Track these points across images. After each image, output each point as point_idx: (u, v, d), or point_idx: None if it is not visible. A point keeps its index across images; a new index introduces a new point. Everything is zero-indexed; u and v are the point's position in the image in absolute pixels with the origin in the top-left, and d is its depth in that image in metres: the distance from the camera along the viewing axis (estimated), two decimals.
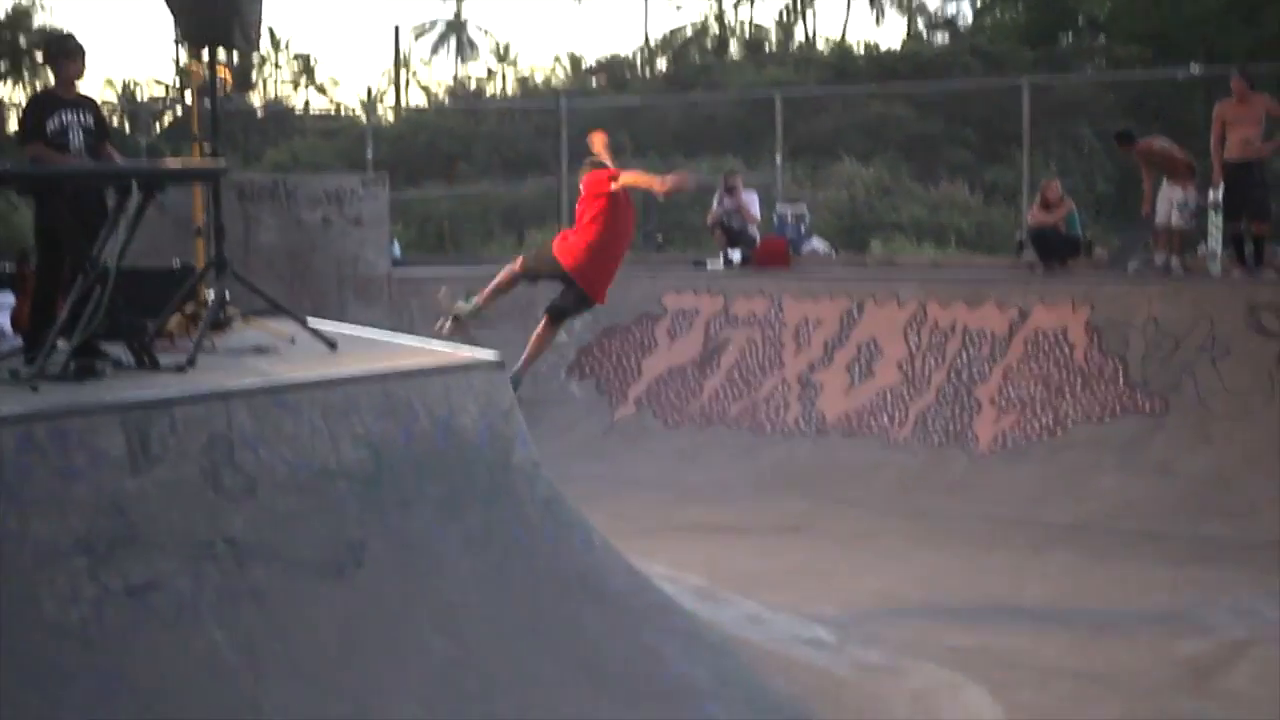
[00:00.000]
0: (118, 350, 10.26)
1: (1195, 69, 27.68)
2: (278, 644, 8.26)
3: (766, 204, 25.09)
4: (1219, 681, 11.75)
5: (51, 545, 7.72)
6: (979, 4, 59.00)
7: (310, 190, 23.39)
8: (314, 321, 12.29)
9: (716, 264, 23.93)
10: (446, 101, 66.53)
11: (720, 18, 70.69)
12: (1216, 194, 20.46)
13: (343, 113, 60.17)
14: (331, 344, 11.48)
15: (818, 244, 26.03)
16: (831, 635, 12.30)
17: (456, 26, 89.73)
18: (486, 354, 10.85)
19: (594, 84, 58.72)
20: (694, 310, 22.37)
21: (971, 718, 10.57)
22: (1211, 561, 15.48)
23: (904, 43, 60.45)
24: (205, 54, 14.37)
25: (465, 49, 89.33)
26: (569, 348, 22.48)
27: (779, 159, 26.83)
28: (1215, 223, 20.78)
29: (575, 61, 71.90)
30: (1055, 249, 21.85)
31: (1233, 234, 20.59)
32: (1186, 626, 13.15)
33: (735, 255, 23.80)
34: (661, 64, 65.00)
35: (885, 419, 20.32)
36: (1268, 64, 27.89)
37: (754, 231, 24.23)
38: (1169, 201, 21.30)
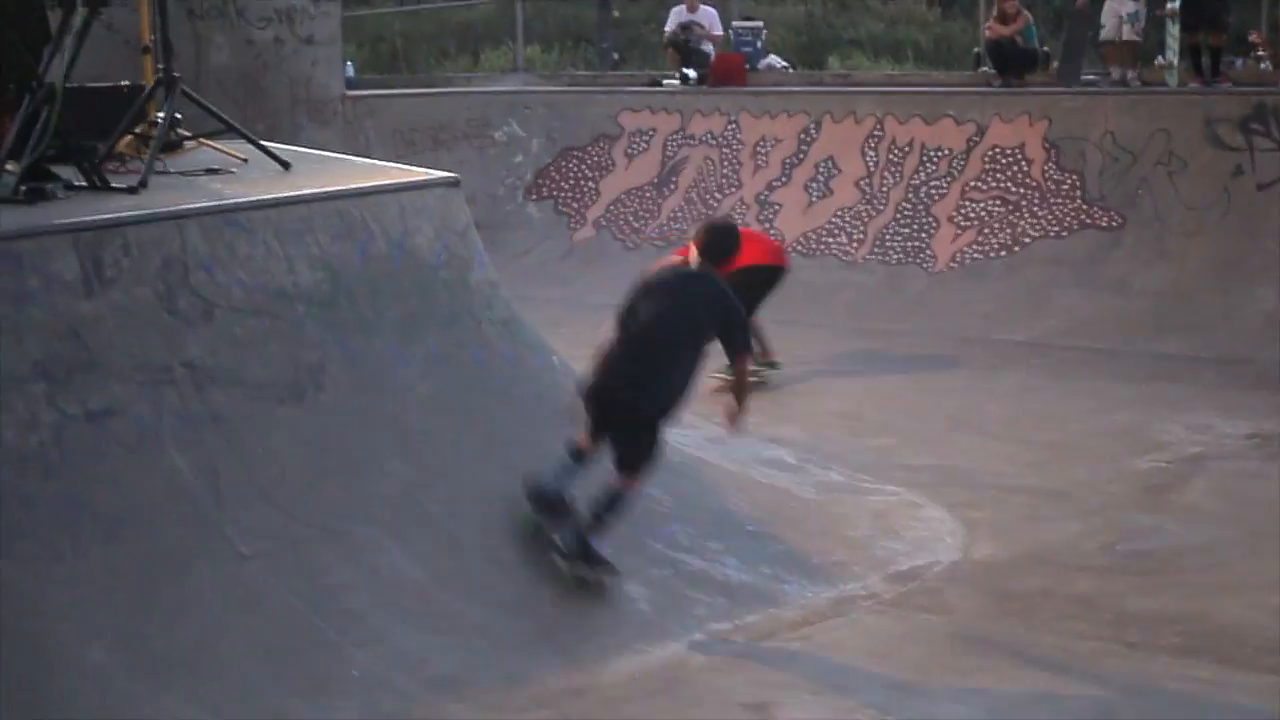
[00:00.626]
0: (68, 172, 10.12)
1: None
2: (239, 468, 8.26)
3: (724, 20, 24.85)
4: (1174, 496, 11.88)
5: (8, 371, 7.67)
6: None
7: (261, 8, 23.03)
8: (267, 143, 12.15)
9: (673, 82, 23.75)
10: None
11: None
12: (1174, 3, 20.38)
13: None
14: (285, 164, 11.33)
15: (774, 60, 25.80)
16: (792, 456, 12.34)
17: None
18: (441, 174, 10.77)
19: None
20: (651, 130, 22.25)
21: (930, 535, 10.64)
22: (1168, 378, 15.65)
23: None
24: None
25: None
26: (525, 169, 22.39)
27: None
28: (1172, 33, 20.72)
29: None
30: (1012, 62, 21.65)
31: (1190, 45, 20.53)
32: (1143, 442, 13.26)
33: (691, 73, 23.59)
34: None
35: (844, 238, 20.32)
36: None
37: (709, 48, 24.00)
38: (1117, 15, 21.15)
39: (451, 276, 10.13)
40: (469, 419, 9.53)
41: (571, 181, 22.36)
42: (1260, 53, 21.57)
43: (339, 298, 9.25)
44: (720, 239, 9.51)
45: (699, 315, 9.07)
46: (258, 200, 9.55)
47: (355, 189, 10.14)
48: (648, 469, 9.16)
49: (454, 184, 10.62)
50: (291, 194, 9.82)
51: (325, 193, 9.93)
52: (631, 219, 21.55)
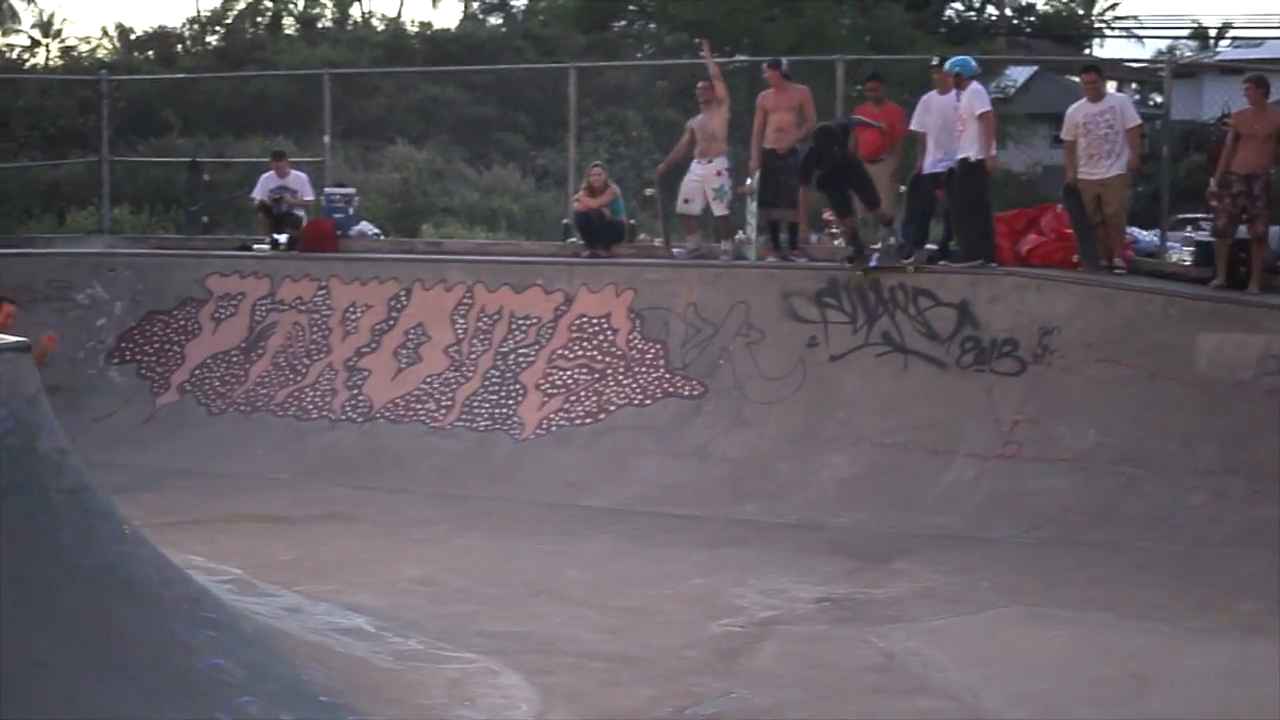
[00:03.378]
0: None
1: (740, 58, 28.41)
2: None
3: (316, 186, 24.83)
4: (746, 660, 12.05)
5: None
6: None
7: None
8: None
9: (264, 247, 23.60)
10: None
11: None
12: (754, 181, 20.99)
13: None
14: None
15: (366, 227, 25.85)
16: (371, 624, 12.29)
17: None
18: (9, 339, 10.54)
19: (140, 57, 57.07)
20: (239, 294, 22.16)
21: (505, 702, 10.66)
22: (744, 543, 16.02)
23: (459, 24, 60.48)
24: None
25: (5, 18, 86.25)
26: (108, 332, 22.03)
27: (328, 140, 26.57)
28: (751, 210, 21.33)
29: (124, 33, 69.90)
30: (600, 233, 22.05)
31: (768, 220, 21.16)
32: (718, 607, 13.49)
33: (283, 238, 23.49)
34: (213, 39, 63.73)
35: (432, 404, 20.39)
36: (806, 56, 28.81)
37: (300, 213, 23.94)
38: (703, 191, 21.69)
39: (18, 444, 9.88)
40: (30, 590, 9.27)
41: (156, 345, 22.04)
42: (834, 229, 22.28)
43: None
44: None
45: None
46: None
47: None
48: None
49: (24, 349, 10.40)
50: None
51: None
52: (218, 384, 21.35)
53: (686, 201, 21.89)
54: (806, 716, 10.68)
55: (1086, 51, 63.23)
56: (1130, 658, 12.17)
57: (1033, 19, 57.17)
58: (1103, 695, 11.20)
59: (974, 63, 20.00)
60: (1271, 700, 10.82)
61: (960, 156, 19.07)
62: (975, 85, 19.34)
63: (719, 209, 21.65)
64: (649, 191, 24.07)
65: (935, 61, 20.74)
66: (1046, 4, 63.99)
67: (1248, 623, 13.02)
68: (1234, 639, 12.55)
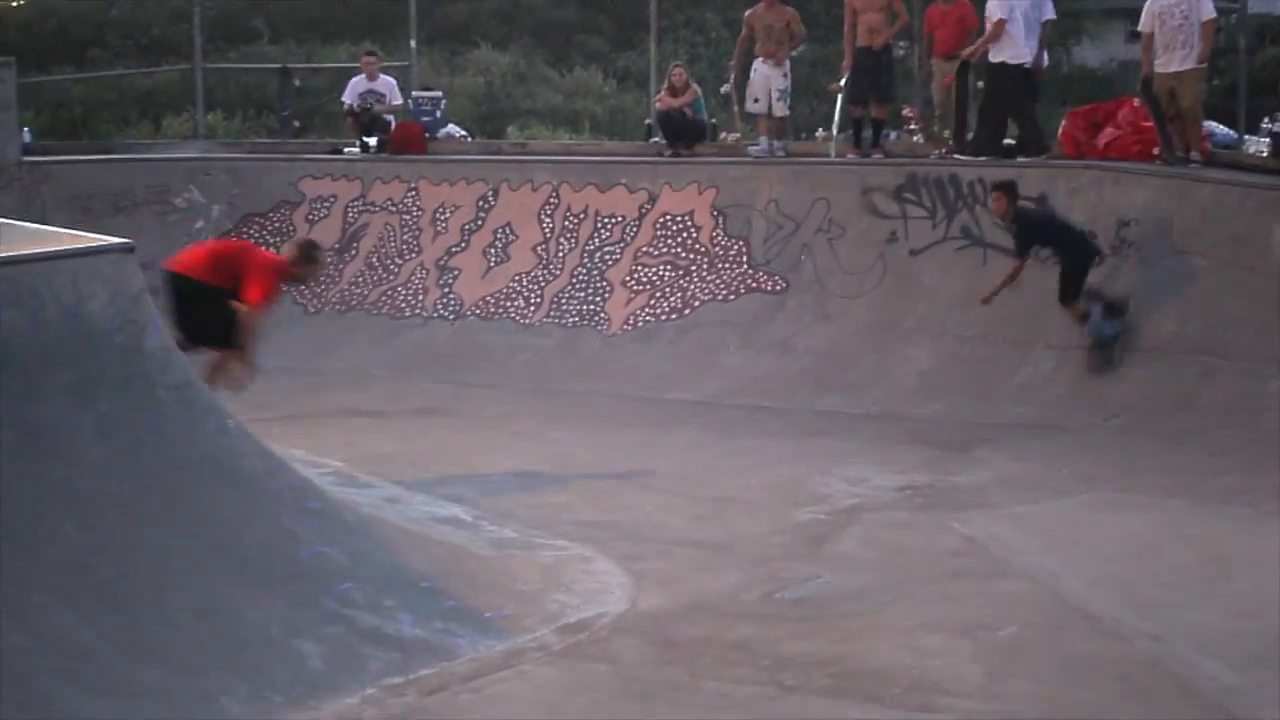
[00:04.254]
0: None
1: None
2: None
3: (404, 90, 24.87)
4: (830, 546, 12.18)
5: None
6: None
7: None
8: None
9: (354, 149, 23.71)
10: None
11: None
12: (845, 81, 20.99)
13: None
14: None
15: (453, 129, 25.89)
16: (468, 514, 12.42)
17: None
18: (114, 240, 10.67)
19: None
20: (331, 196, 22.26)
21: (599, 587, 10.77)
22: (827, 434, 16.12)
23: None
24: None
25: None
26: (206, 234, 22.13)
27: (414, 44, 26.55)
28: (839, 107, 21.31)
29: None
30: (682, 133, 22.07)
31: (855, 119, 21.13)
32: (802, 495, 13.61)
33: (372, 141, 23.57)
34: None
35: (521, 302, 20.51)
36: None
37: (389, 117, 24.02)
38: (768, 91, 21.67)
39: (125, 341, 10.02)
40: (142, 483, 9.43)
41: None
42: (913, 127, 22.24)
43: (7, 363, 9.10)
44: None
45: None
46: None
47: (25, 255, 9.98)
48: None
49: (129, 249, 10.52)
50: None
51: None
52: (313, 283, 21.47)
53: (756, 101, 21.93)
54: (890, 599, 10.74)
55: None
56: (1210, 542, 12.18)
57: None
58: (1183, 578, 11.23)
59: None
60: None
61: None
62: None
63: (780, 110, 21.65)
64: (724, 89, 23.99)
65: None
66: None
67: None
68: None
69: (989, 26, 19.86)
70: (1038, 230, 17.45)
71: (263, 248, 17.81)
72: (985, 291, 17.46)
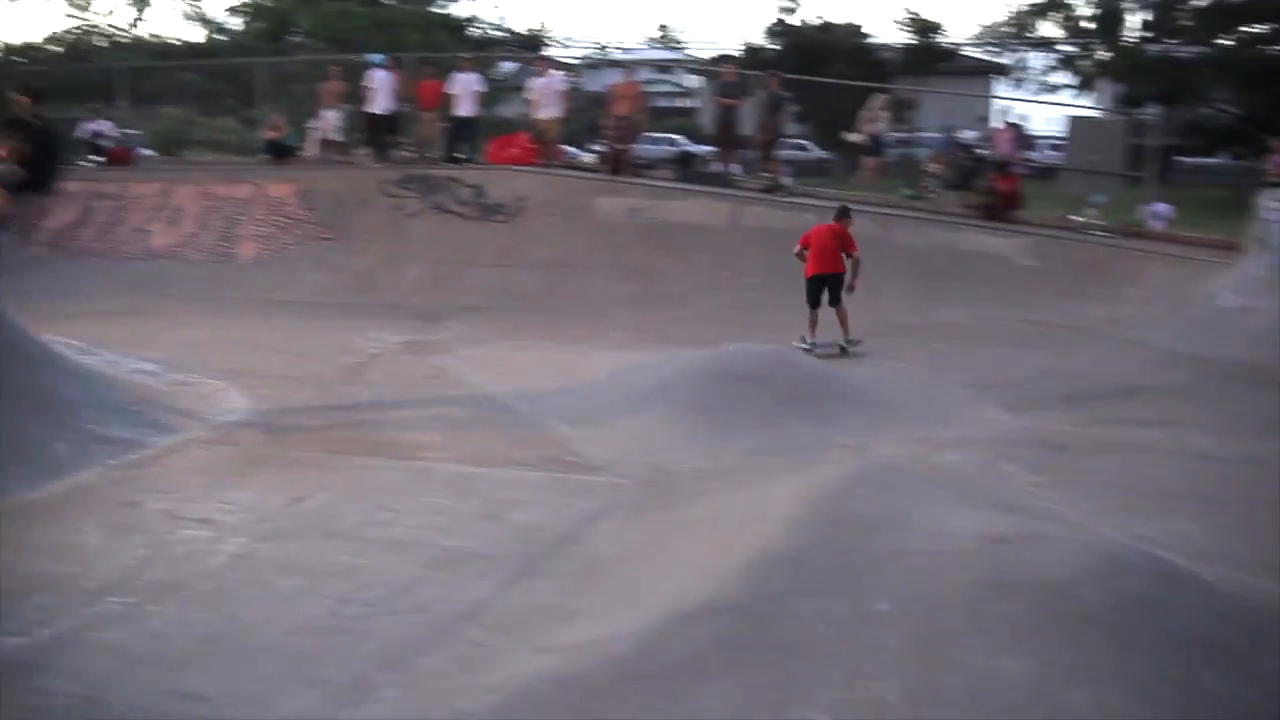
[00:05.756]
0: None
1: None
2: None
3: (119, 128, 23.36)
4: (363, 375, 12.28)
5: None
6: None
7: None
8: None
9: (88, 163, 22.14)
10: None
11: None
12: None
13: None
14: None
15: (148, 152, 24.54)
16: (155, 368, 12.01)
17: None
18: None
19: None
20: (77, 190, 20.71)
21: (231, 403, 10.72)
22: (361, 315, 15.75)
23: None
24: None
25: None
26: None
27: (123, 103, 24.96)
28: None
29: None
30: (279, 152, 21.45)
31: (376, 143, 20.90)
32: (348, 349, 13.51)
33: (99, 158, 22.12)
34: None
35: (189, 249, 19.70)
36: None
37: (108, 144, 22.60)
38: (331, 127, 21.35)
39: None
40: None
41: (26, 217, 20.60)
42: (409, 150, 22.10)
43: None
44: None
45: None
46: None
47: None
48: None
49: None
50: None
51: None
52: (65, 241, 20.16)
53: (321, 132, 21.63)
54: (397, 403, 10.99)
55: None
56: (562, 363, 12.52)
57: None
58: (549, 381, 11.60)
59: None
60: None
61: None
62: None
63: (337, 136, 21.40)
64: (307, 125, 23.31)
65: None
66: None
67: None
68: None
69: (454, 95, 20.09)
70: None
71: None
72: None
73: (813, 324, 13.58)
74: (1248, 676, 5.28)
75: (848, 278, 13.67)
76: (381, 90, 20.23)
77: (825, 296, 13.72)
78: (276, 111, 23.05)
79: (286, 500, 7.97)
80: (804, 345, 13.42)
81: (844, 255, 13.62)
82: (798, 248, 14.02)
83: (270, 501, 7.94)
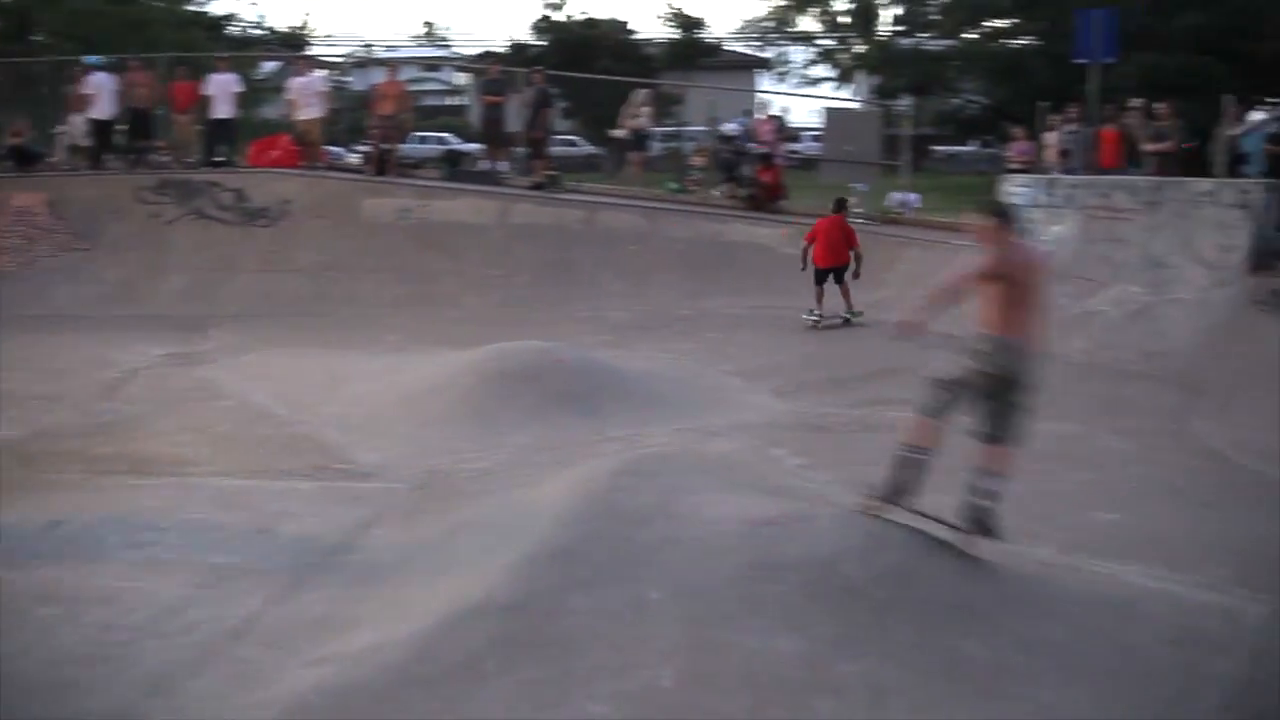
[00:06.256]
0: None
1: None
2: None
3: None
4: (123, 391, 11.75)
5: None
6: None
7: None
8: None
9: None
10: None
11: None
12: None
13: None
14: None
15: None
16: None
17: None
18: None
19: None
20: None
21: None
22: (122, 329, 14.98)
23: None
24: None
25: None
26: None
27: None
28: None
29: None
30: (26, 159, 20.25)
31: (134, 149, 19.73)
32: (107, 364, 12.84)
33: None
34: None
35: None
36: None
37: None
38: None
39: None
40: None
41: None
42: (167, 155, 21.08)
43: None
44: None
45: None
46: None
47: None
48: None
49: None
50: None
51: None
52: None
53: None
54: (159, 418, 10.56)
55: None
56: (333, 370, 12.22)
57: None
58: (320, 390, 11.36)
59: None
60: None
61: None
62: None
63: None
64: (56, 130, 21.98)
65: None
66: None
67: None
68: None
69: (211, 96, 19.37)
70: None
71: None
72: None
73: (819, 298, 14.87)
74: (1009, 641, 5.65)
75: (852, 266, 15.04)
76: (104, 94, 19.18)
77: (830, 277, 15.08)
78: (19, 115, 21.76)
79: (43, 525, 7.61)
80: (813, 316, 14.78)
81: (849, 251, 15.06)
82: (804, 242, 15.12)
83: (24, 528, 7.55)
